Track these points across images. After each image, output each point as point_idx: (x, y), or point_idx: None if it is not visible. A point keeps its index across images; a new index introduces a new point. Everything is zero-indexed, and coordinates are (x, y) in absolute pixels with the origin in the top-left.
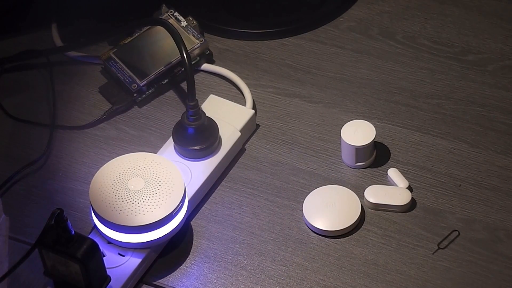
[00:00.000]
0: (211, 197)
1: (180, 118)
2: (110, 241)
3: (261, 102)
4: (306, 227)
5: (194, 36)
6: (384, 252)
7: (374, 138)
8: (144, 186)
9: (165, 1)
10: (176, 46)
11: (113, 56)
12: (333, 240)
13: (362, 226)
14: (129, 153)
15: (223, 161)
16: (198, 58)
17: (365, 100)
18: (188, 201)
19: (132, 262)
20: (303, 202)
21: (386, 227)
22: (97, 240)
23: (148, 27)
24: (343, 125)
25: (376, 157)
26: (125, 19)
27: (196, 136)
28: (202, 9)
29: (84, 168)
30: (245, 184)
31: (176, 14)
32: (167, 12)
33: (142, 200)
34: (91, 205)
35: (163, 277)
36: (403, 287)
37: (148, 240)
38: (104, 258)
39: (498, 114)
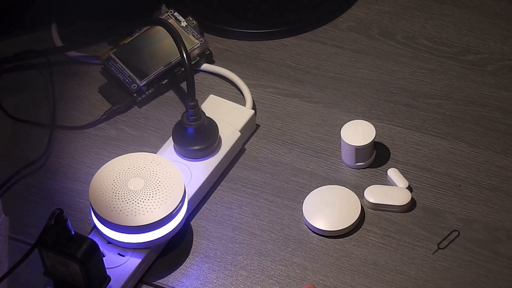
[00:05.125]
0: (211, 197)
1: (180, 118)
2: (110, 241)
3: (261, 102)
4: (306, 227)
5: (194, 36)
6: (384, 252)
7: (374, 138)
8: (144, 186)
9: (165, 1)
10: (176, 46)
11: (113, 56)
12: (333, 240)
13: (362, 226)
14: (129, 153)
15: (223, 161)
16: (198, 58)
17: (365, 100)
18: (188, 201)
19: (132, 262)
20: (303, 202)
21: (386, 227)
22: (97, 240)
23: (148, 27)
24: (343, 125)
25: (376, 157)
26: (125, 19)
27: (196, 136)
28: (202, 9)
29: (84, 168)
30: (245, 184)
31: (176, 14)
32: (167, 12)
33: (142, 200)
34: (91, 205)
35: (163, 277)
36: (403, 287)
37: (148, 240)
38: (104, 258)
39: (498, 114)
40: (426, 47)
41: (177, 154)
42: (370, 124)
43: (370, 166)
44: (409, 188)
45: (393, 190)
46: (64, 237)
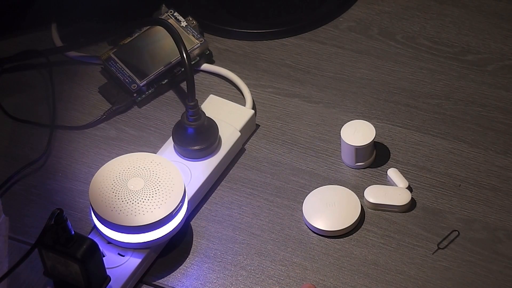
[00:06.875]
0: (211, 197)
1: (180, 118)
2: (110, 241)
3: (261, 102)
4: (306, 227)
5: (194, 36)
6: (384, 252)
7: (373, 138)
8: (144, 186)
9: (165, 1)
10: (176, 46)
11: (113, 56)
12: (333, 240)
13: (362, 226)
14: (129, 153)
15: (223, 161)
16: (198, 58)
17: (365, 100)
18: (188, 201)
19: (132, 262)
20: (303, 202)
21: (386, 227)
22: (97, 240)
23: (148, 27)
24: (343, 125)
25: (376, 157)
26: (125, 19)
27: (196, 136)
28: (202, 9)
29: (84, 168)
30: (245, 184)
31: (175, 14)
32: (166, 12)
33: (142, 200)
34: (91, 205)
35: (163, 277)
36: (403, 287)
37: (148, 240)
38: (104, 258)
39: (498, 114)
40: (426, 47)
41: (177, 154)
42: (370, 124)
43: (370, 166)
44: (409, 188)
45: (393, 190)
46: (64, 237)
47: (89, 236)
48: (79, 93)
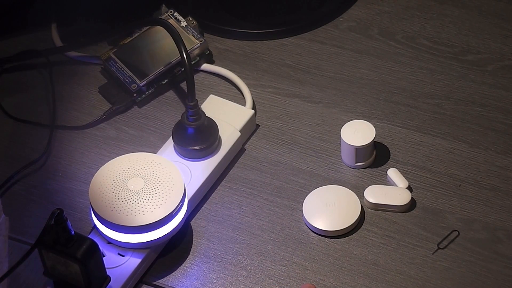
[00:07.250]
0: (211, 197)
1: (180, 118)
2: (110, 241)
3: (261, 102)
4: (306, 227)
5: (193, 36)
6: (384, 252)
7: (373, 138)
8: (144, 186)
9: (165, 1)
10: (176, 46)
11: (113, 56)
12: (333, 240)
13: (362, 226)
14: (129, 153)
15: (223, 161)
16: (198, 58)
17: (365, 100)
18: (188, 201)
19: (132, 262)
20: (303, 202)
21: (386, 227)
22: (97, 240)
23: (148, 27)
24: (343, 125)
25: (376, 157)
26: (125, 19)
27: (196, 136)
28: (202, 9)
29: (84, 168)
30: (245, 184)
31: (175, 14)
32: (166, 12)
33: (142, 200)
34: (91, 205)
35: (163, 277)
36: (403, 287)
37: (148, 240)
38: (104, 258)
39: (498, 114)
40: (426, 47)
41: (177, 154)
42: (370, 124)
43: (370, 166)
44: (409, 188)
45: (393, 190)
46: (64, 237)
47: (89, 236)
48: (79, 93)
